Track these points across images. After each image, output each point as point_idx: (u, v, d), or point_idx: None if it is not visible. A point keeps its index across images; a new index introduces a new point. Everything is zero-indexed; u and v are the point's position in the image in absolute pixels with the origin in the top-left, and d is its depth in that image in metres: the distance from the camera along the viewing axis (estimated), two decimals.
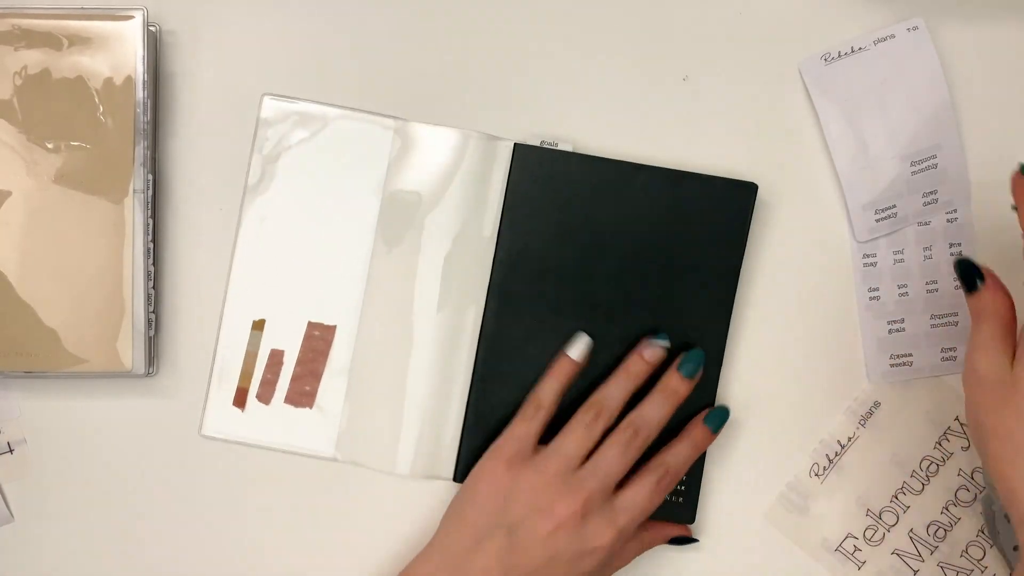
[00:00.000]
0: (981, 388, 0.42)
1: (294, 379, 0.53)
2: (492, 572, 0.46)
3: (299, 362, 0.53)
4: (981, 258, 0.55)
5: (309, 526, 0.53)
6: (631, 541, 0.49)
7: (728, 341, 0.54)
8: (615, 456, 0.48)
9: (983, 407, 0.42)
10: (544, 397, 0.50)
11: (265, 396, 0.53)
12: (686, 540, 0.52)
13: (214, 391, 0.52)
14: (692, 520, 0.53)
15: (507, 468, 0.48)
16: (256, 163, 0.53)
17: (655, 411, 0.49)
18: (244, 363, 0.53)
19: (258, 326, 0.53)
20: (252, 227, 0.53)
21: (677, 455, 0.49)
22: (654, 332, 0.51)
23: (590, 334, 0.51)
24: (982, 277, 0.44)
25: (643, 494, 0.47)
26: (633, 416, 0.49)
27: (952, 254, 0.55)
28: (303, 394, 0.53)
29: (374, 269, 0.53)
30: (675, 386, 0.50)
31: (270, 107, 0.53)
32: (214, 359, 0.52)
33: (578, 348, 0.50)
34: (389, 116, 0.53)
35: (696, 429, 0.50)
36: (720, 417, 0.51)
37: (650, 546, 0.51)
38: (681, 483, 0.52)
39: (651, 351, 0.50)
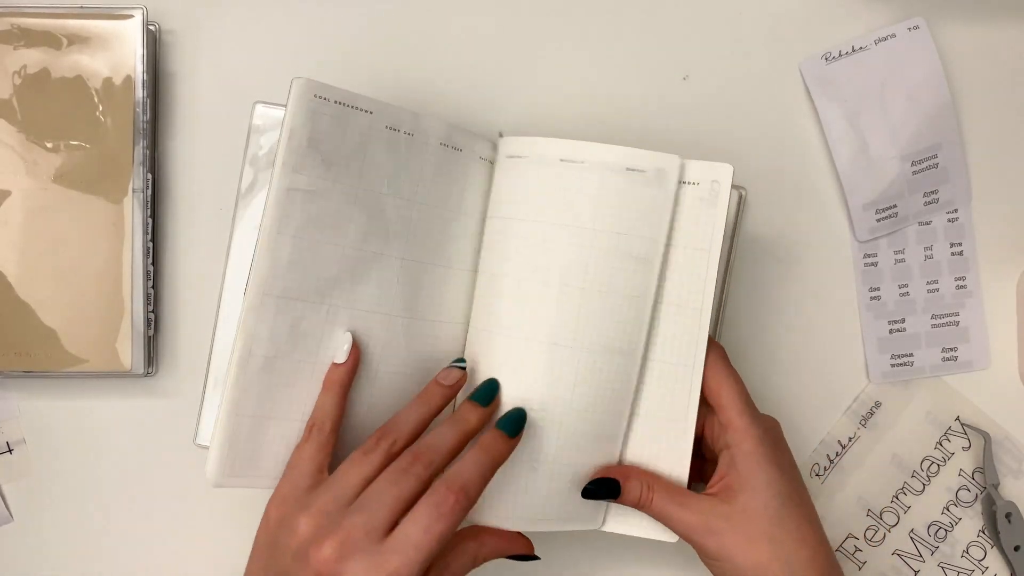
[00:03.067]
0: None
1: None
2: None
3: None
4: (981, 258, 0.55)
5: None
6: (458, 557, 0.43)
7: (728, 342, 0.54)
8: (385, 487, 0.40)
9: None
10: (317, 415, 0.44)
11: None
12: (526, 557, 0.46)
13: (209, 400, 0.52)
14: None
15: (276, 509, 0.42)
16: (249, 170, 0.52)
17: (440, 437, 0.42)
18: None
19: None
20: (245, 235, 0.52)
21: (463, 467, 0.41)
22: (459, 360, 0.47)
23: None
24: (615, 487, 0.45)
25: (420, 526, 0.38)
26: (414, 444, 0.42)
27: (953, 254, 0.55)
28: None
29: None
30: (466, 413, 0.43)
31: (262, 114, 0.52)
32: (208, 368, 0.52)
33: (340, 349, 0.44)
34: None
35: (487, 435, 0.43)
36: (514, 419, 0.44)
37: (485, 560, 0.45)
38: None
39: (449, 375, 0.45)
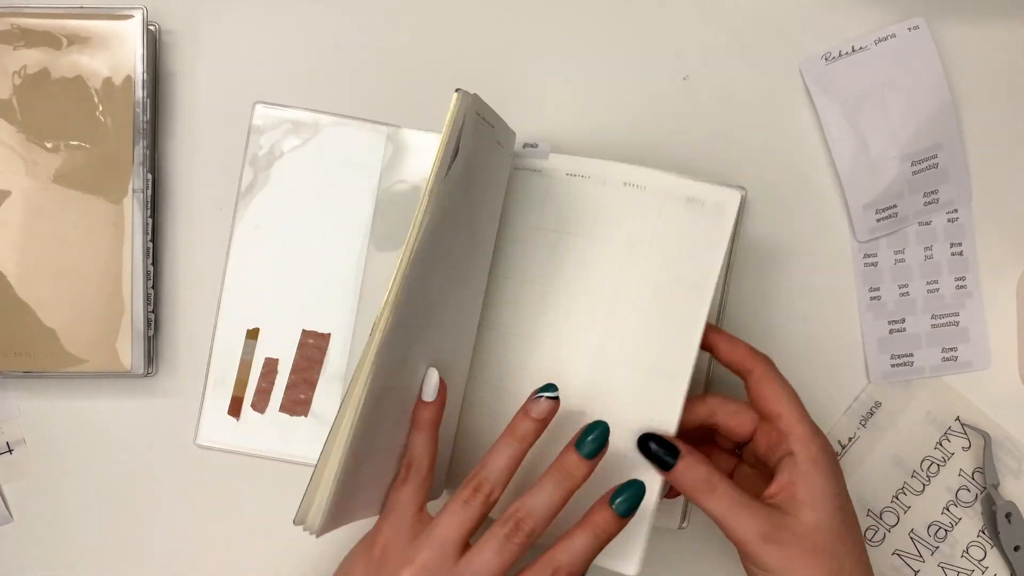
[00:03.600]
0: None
1: (289, 387, 0.53)
2: None
3: (294, 370, 0.53)
4: (981, 258, 0.55)
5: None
6: None
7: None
8: (490, 556, 0.39)
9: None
10: (414, 455, 0.43)
11: (260, 405, 0.53)
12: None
13: (209, 400, 0.52)
14: (685, 522, 0.53)
15: (382, 556, 0.41)
16: (248, 170, 0.52)
17: (543, 498, 0.40)
18: (239, 372, 0.53)
19: (252, 335, 0.53)
20: (245, 235, 0.53)
21: (570, 550, 0.40)
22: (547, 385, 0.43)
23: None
24: (676, 453, 0.42)
25: None
26: (516, 505, 0.40)
27: (953, 254, 0.55)
28: (298, 402, 0.53)
29: (368, 275, 0.53)
30: (570, 467, 0.41)
31: (262, 114, 0.52)
32: (208, 368, 0.52)
33: (429, 387, 0.43)
34: (381, 122, 0.53)
35: (598, 513, 0.41)
36: (633, 494, 0.41)
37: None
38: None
39: (537, 407, 0.42)
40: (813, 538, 0.41)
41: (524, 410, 0.42)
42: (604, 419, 0.42)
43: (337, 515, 0.40)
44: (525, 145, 0.50)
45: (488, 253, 0.48)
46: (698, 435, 0.47)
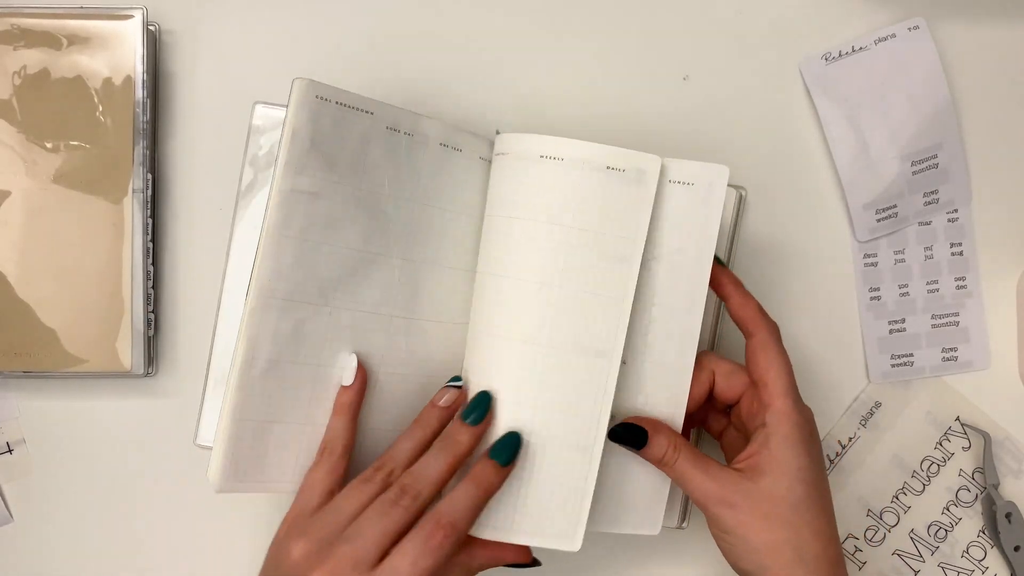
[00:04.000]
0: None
1: None
2: None
3: None
4: (981, 258, 0.55)
5: None
6: (450, 571, 0.42)
7: (728, 342, 0.54)
8: (375, 518, 0.40)
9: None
10: (327, 438, 0.44)
11: None
12: (524, 565, 0.46)
13: (209, 400, 0.52)
14: (685, 522, 0.53)
15: (283, 529, 0.42)
16: (248, 170, 0.52)
17: (430, 465, 0.42)
18: None
19: None
20: (245, 235, 0.52)
21: (454, 501, 0.41)
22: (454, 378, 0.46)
23: None
24: (645, 433, 0.44)
25: (408, 559, 0.39)
26: (405, 473, 0.42)
27: (953, 254, 0.55)
28: None
29: None
30: (456, 435, 0.43)
31: (262, 115, 0.52)
32: (208, 368, 0.52)
33: (346, 371, 0.45)
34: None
35: (479, 465, 0.43)
36: (509, 446, 0.43)
37: (479, 571, 0.45)
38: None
39: (443, 394, 0.45)
40: (767, 505, 0.42)
41: (432, 401, 0.45)
42: (543, 406, 0.44)
43: (235, 474, 0.43)
44: (497, 132, 0.49)
45: (426, 243, 0.47)
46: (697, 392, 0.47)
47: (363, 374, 0.45)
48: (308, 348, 0.44)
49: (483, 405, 0.44)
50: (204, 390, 0.52)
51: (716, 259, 0.46)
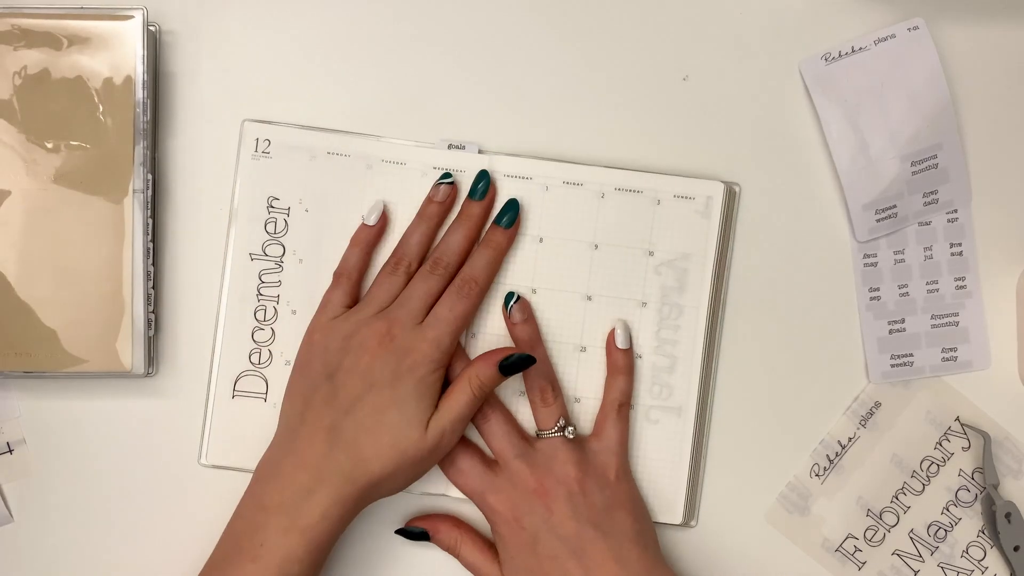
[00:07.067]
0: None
1: None
2: (321, 418, 0.47)
3: None
4: (981, 258, 0.55)
5: None
6: (461, 388, 0.48)
7: (728, 342, 0.54)
8: (418, 285, 0.49)
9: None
10: (344, 266, 0.51)
11: None
12: (521, 363, 0.49)
13: (213, 414, 0.53)
14: (693, 520, 0.53)
15: (319, 330, 0.50)
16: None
17: (452, 243, 0.50)
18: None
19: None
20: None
21: (474, 263, 0.50)
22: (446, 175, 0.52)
23: None
24: (425, 534, 0.52)
25: (446, 307, 0.49)
26: (432, 251, 0.51)
27: (953, 254, 0.55)
28: None
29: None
30: (467, 209, 0.51)
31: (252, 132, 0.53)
32: (210, 383, 0.52)
33: (374, 214, 0.51)
34: (371, 135, 0.53)
35: (488, 232, 0.51)
36: (508, 211, 0.51)
37: (486, 380, 0.48)
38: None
39: (438, 191, 0.51)
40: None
41: (428, 196, 0.52)
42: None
43: None
44: (450, 146, 0.53)
45: None
46: None
47: (385, 219, 0.52)
48: None
49: (485, 179, 0.51)
50: (208, 407, 0.52)
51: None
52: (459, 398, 0.48)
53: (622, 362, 0.52)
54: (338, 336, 0.48)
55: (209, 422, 0.53)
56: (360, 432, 0.46)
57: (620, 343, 0.52)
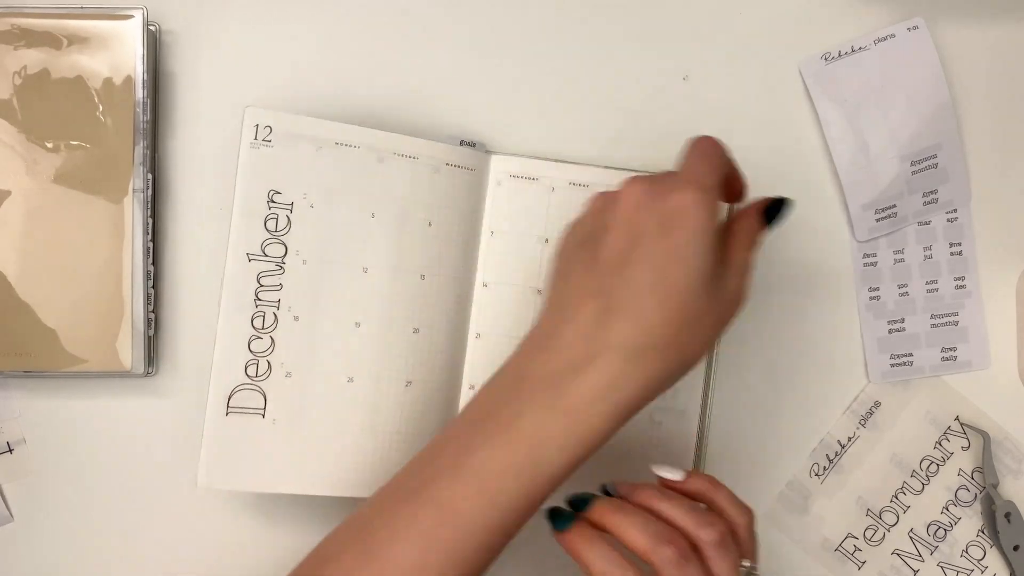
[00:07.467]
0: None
1: None
2: (586, 284, 0.40)
3: None
4: (981, 258, 0.55)
5: (307, 524, 0.53)
6: (741, 243, 0.44)
7: (727, 342, 0.54)
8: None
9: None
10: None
11: None
12: (779, 209, 0.45)
13: (210, 430, 0.48)
14: None
15: (597, 198, 0.43)
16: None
17: None
18: None
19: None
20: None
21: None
22: None
23: None
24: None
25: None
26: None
27: (952, 254, 0.55)
28: None
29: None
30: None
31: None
32: (212, 369, 0.52)
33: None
34: (371, 128, 0.52)
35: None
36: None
37: (756, 231, 0.45)
38: None
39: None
40: None
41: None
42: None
43: None
44: (462, 143, 0.52)
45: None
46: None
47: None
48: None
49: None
50: (208, 419, 0.49)
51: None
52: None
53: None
54: (608, 200, 0.42)
55: (202, 441, 0.48)
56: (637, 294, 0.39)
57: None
